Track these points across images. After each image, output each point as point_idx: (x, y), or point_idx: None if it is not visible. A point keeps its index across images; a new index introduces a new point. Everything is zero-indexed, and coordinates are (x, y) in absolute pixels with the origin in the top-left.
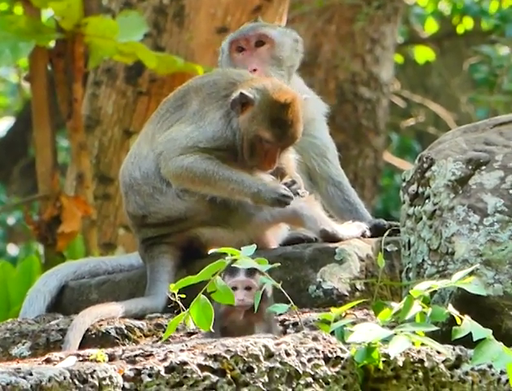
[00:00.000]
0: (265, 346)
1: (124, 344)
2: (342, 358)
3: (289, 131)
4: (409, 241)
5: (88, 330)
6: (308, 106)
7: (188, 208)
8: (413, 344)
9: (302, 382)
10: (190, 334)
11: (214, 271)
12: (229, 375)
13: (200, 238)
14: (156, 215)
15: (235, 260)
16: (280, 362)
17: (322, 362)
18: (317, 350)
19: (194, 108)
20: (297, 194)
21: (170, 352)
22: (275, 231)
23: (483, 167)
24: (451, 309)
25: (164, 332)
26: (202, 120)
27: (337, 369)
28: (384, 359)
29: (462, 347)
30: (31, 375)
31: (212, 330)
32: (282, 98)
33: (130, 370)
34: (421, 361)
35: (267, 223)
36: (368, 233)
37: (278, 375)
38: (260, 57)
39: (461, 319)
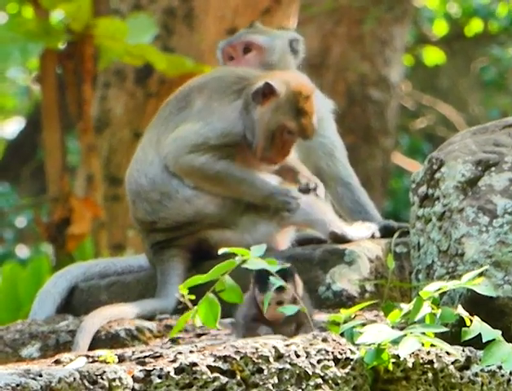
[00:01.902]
0: (274, 347)
1: (134, 346)
2: (352, 360)
3: (312, 122)
4: (419, 242)
5: (98, 331)
6: (315, 104)
7: (197, 212)
8: (423, 345)
9: (311, 383)
10: (199, 335)
11: (222, 271)
12: (239, 377)
13: (209, 240)
14: (165, 220)
15: (245, 260)
16: (290, 364)
17: (332, 363)
18: (327, 351)
19: (199, 106)
20: (315, 190)
21: (180, 353)
22: (284, 233)
23: (493, 168)
24: (460, 310)
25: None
26: (210, 116)
27: (346, 370)
28: (394, 360)
29: (472, 348)
30: (41, 376)
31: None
32: (305, 90)
33: (140, 371)
34: (431, 362)
35: (276, 225)
36: (377, 234)
37: (288, 377)
38: (248, 64)
39: (471, 320)
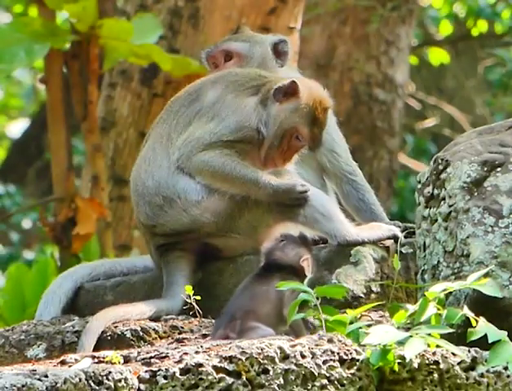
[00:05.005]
0: (280, 348)
1: (139, 346)
2: (358, 360)
3: (321, 135)
4: (424, 243)
5: (103, 332)
6: None
7: (193, 222)
8: (429, 346)
9: (317, 384)
10: (205, 336)
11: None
12: (244, 377)
13: (213, 243)
14: (162, 227)
15: None
16: (296, 364)
17: (337, 363)
18: (332, 352)
19: (212, 98)
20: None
21: (186, 354)
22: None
23: (498, 169)
24: (466, 310)
25: (179, 334)
26: (224, 109)
27: (352, 371)
28: (399, 361)
29: (477, 349)
30: (46, 376)
31: None
32: (325, 101)
33: (146, 372)
34: (437, 363)
35: (278, 226)
36: (400, 236)
37: (293, 377)
38: None
39: (477, 321)
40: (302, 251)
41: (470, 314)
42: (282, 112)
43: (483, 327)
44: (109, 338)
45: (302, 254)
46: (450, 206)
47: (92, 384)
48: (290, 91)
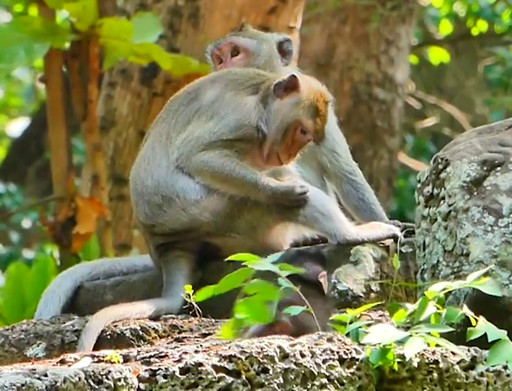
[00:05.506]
0: (280, 347)
1: (139, 345)
2: (357, 359)
3: (324, 128)
4: (424, 242)
5: (103, 331)
6: None
7: (192, 221)
8: (428, 345)
9: (316, 383)
10: (205, 335)
11: (237, 280)
12: (244, 376)
13: (213, 243)
14: (161, 226)
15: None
16: (295, 363)
17: (337, 363)
18: (332, 351)
19: (211, 97)
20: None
21: (185, 353)
22: (286, 232)
23: (498, 168)
24: (466, 310)
25: (179, 333)
26: (223, 108)
27: (352, 370)
28: (399, 360)
29: (477, 348)
30: (46, 376)
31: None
32: (326, 95)
33: (145, 371)
34: (436, 362)
35: (277, 226)
36: (400, 235)
37: (293, 376)
38: (234, 67)
39: (476, 320)
40: (320, 268)
41: (470, 313)
42: (284, 106)
43: (482, 326)
44: (109, 337)
45: (320, 271)
46: (450, 205)
47: (92, 383)
48: (291, 86)
